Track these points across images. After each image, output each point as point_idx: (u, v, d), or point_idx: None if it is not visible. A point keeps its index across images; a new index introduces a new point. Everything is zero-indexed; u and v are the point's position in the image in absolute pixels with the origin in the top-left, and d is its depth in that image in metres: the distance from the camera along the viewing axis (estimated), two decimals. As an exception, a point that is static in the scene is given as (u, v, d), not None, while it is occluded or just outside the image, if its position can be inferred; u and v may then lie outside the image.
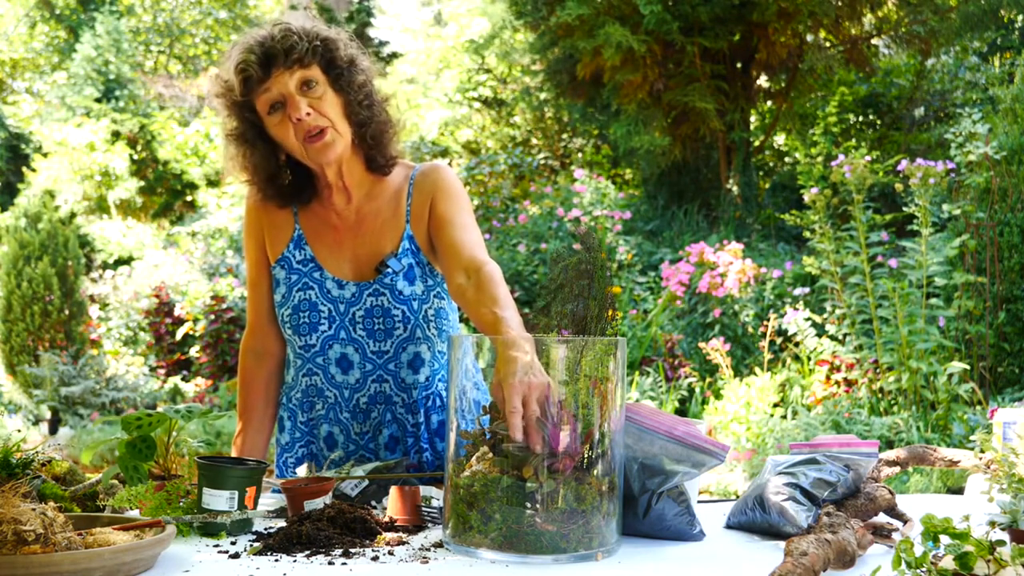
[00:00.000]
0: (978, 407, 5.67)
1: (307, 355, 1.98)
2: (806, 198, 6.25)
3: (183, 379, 9.43)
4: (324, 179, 1.97)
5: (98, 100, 15.66)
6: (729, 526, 1.61)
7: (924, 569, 1.11)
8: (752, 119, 11.55)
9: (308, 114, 1.83)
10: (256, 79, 1.82)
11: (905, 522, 1.57)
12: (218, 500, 1.49)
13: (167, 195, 15.89)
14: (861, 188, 5.92)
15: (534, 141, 14.86)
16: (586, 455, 1.36)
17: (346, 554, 1.36)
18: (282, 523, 1.59)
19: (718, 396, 6.62)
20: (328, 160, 1.89)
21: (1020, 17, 11.05)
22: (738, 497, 1.73)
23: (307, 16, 1.91)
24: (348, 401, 1.97)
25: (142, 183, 15.33)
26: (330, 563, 1.32)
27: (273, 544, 1.40)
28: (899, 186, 6.13)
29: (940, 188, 5.88)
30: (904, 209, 6.13)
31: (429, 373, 1.99)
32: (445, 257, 1.91)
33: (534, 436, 1.35)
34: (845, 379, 6.20)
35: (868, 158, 6.18)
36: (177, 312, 9.79)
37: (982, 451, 1.79)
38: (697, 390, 6.72)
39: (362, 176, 1.99)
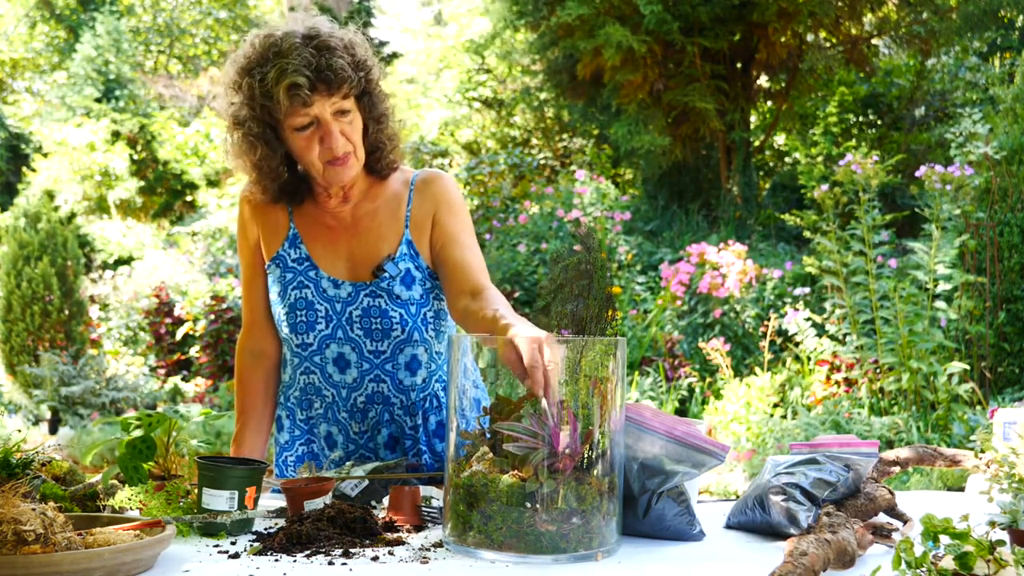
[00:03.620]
0: (978, 407, 5.67)
1: (304, 354, 1.97)
2: (816, 195, 6.25)
3: (183, 379, 9.43)
4: (326, 188, 1.97)
5: (98, 100, 15.66)
6: (729, 526, 1.61)
7: (924, 569, 1.11)
8: (752, 119, 11.55)
9: (341, 143, 1.85)
10: (303, 102, 1.79)
11: (905, 522, 1.57)
12: (218, 500, 1.49)
13: (167, 195, 15.89)
14: (868, 187, 5.92)
15: (534, 141, 14.86)
16: (586, 455, 1.36)
17: (346, 554, 1.36)
18: (282, 523, 1.59)
19: (718, 396, 6.62)
20: (343, 182, 1.91)
21: (1020, 17, 11.05)
22: (738, 497, 1.73)
23: (340, 28, 1.89)
24: (346, 400, 1.97)
25: (142, 183, 15.33)
26: (330, 563, 1.32)
27: (273, 544, 1.40)
28: (913, 188, 6.14)
29: (963, 193, 5.89)
30: (915, 210, 6.13)
31: (426, 375, 1.99)
32: (449, 278, 1.94)
33: (549, 385, 1.39)
34: (845, 379, 6.20)
35: (876, 158, 6.19)
36: (177, 312, 9.79)
37: (982, 451, 1.79)
38: (697, 390, 6.72)
39: (361, 181, 2.00)
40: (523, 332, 1.47)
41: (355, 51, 1.86)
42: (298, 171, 1.99)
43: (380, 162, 1.98)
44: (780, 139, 13.06)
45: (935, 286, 5.92)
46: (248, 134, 1.87)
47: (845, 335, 6.40)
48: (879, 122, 12.28)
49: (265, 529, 1.56)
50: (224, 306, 9.06)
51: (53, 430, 8.26)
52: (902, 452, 1.81)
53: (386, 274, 1.93)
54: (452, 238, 1.96)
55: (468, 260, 1.93)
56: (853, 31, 10.51)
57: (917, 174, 6.00)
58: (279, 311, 1.99)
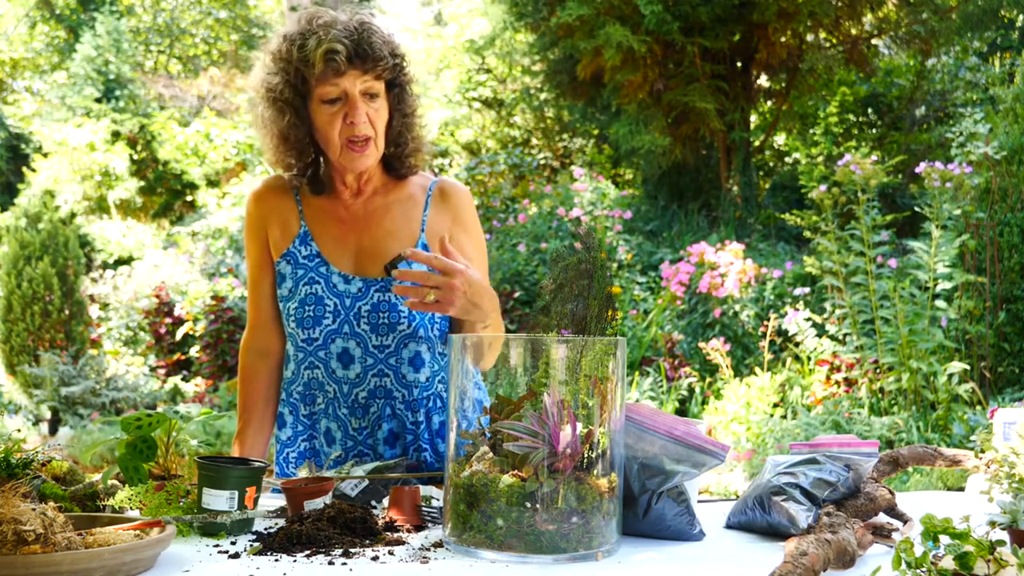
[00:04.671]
0: (978, 407, 5.67)
1: (309, 348, 1.98)
2: (814, 195, 6.25)
3: (183, 379, 9.43)
4: (342, 174, 1.99)
5: (98, 100, 15.65)
6: (729, 526, 1.61)
7: (924, 569, 1.11)
8: (752, 119, 11.55)
9: (364, 123, 1.88)
10: (337, 71, 1.84)
11: (905, 522, 1.57)
12: (218, 500, 1.49)
13: (167, 195, 15.89)
14: (867, 188, 5.92)
15: (534, 141, 14.86)
16: (586, 455, 1.36)
17: (346, 554, 1.36)
18: (282, 523, 1.59)
19: (718, 396, 6.62)
20: (358, 168, 1.94)
21: (1020, 17, 11.05)
22: (738, 497, 1.73)
23: (377, 16, 1.97)
24: (347, 396, 1.98)
25: (142, 183, 15.32)
26: (330, 563, 1.32)
27: (273, 544, 1.40)
28: (913, 187, 6.15)
29: (962, 192, 5.90)
30: (916, 210, 6.13)
31: (430, 374, 1.99)
32: None
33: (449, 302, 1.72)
34: (845, 379, 6.20)
35: (874, 158, 6.19)
36: (177, 312, 9.79)
37: (982, 451, 1.79)
38: (697, 390, 6.72)
39: (378, 177, 2.03)
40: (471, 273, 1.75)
41: (393, 41, 1.94)
42: (320, 162, 2.02)
43: (401, 162, 2.01)
44: (780, 139, 13.06)
45: (935, 286, 5.92)
46: (278, 99, 1.91)
47: (845, 335, 6.40)
48: (879, 122, 12.28)
49: (265, 529, 1.56)
50: (224, 306, 9.06)
51: (53, 430, 8.25)
52: (902, 452, 1.81)
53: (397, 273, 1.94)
54: (463, 255, 1.99)
55: None
56: (853, 31, 10.51)
57: (917, 170, 6.00)
58: (288, 306, 2.01)
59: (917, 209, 6.07)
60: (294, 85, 1.90)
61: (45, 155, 14.87)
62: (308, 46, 1.85)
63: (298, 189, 2.06)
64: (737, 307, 7.46)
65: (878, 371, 5.99)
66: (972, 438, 1.85)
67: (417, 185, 2.04)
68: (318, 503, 1.57)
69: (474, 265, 2.01)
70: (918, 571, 1.11)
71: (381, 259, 1.96)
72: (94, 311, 10.70)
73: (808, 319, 6.64)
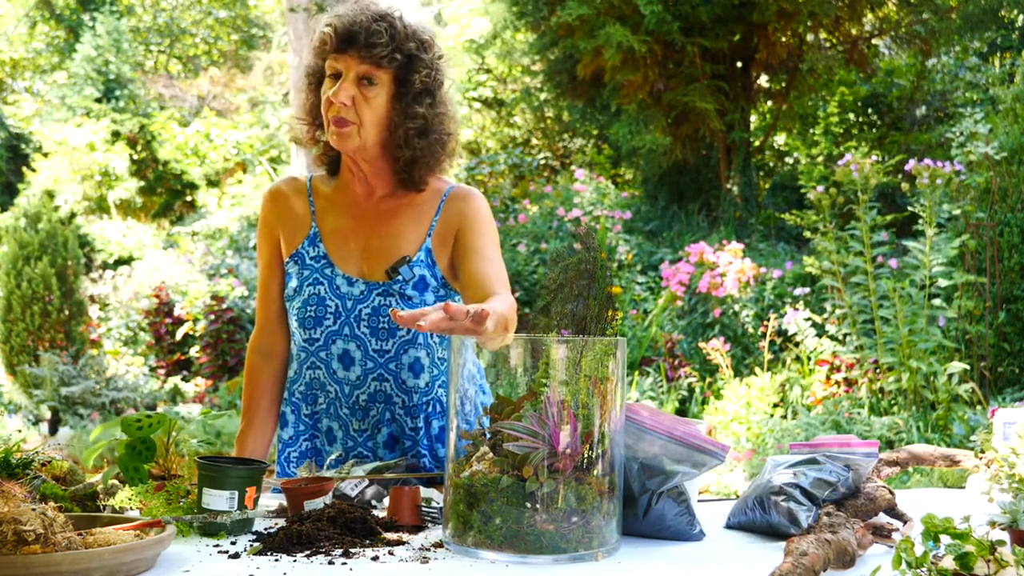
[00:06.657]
0: (978, 407, 5.67)
1: (311, 348, 1.99)
2: (811, 196, 6.25)
3: (183, 379, 9.43)
4: (347, 158, 2.00)
5: (98, 100, 15.65)
6: (729, 526, 1.61)
7: (924, 569, 1.11)
8: (752, 119, 11.54)
9: (344, 104, 1.87)
10: (330, 49, 1.88)
11: (905, 522, 1.57)
12: (218, 500, 1.49)
13: (167, 195, 15.89)
14: (866, 188, 5.92)
15: (534, 141, 14.86)
16: (586, 455, 1.36)
17: (346, 554, 1.36)
18: (282, 523, 1.59)
19: (718, 396, 6.62)
20: (339, 147, 1.94)
21: (1020, 17, 11.05)
22: (738, 497, 1.73)
23: (416, 20, 1.95)
24: (348, 397, 1.98)
25: (142, 183, 15.32)
26: (330, 563, 1.32)
27: (273, 544, 1.40)
28: (905, 186, 6.15)
29: (949, 189, 5.89)
30: (909, 209, 6.13)
31: (429, 379, 1.99)
32: (466, 286, 1.96)
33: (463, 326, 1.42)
34: (845, 379, 6.20)
35: (874, 158, 6.19)
36: (177, 312, 9.80)
37: (982, 451, 1.79)
38: (697, 390, 6.72)
39: (389, 177, 2.01)
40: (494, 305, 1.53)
41: (410, 38, 1.90)
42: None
43: (411, 174, 1.97)
44: (780, 139, 13.06)
45: (931, 284, 5.92)
46: (307, 74, 1.99)
47: (845, 335, 6.40)
48: (879, 122, 12.28)
49: (265, 529, 1.56)
50: (224, 306, 9.06)
51: (53, 430, 8.25)
52: (901, 452, 1.81)
53: (400, 277, 1.94)
54: (473, 250, 1.97)
55: (486, 271, 1.93)
56: (853, 31, 10.51)
57: (906, 168, 6.00)
58: (292, 306, 2.02)
59: (910, 208, 6.07)
60: (318, 61, 1.96)
61: (45, 155, 14.87)
62: (321, 22, 1.91)
63: (311, 191, 2.06)
64: (737, 307, 7.46)
65: (878, 371, 5.99)
66: (972, 438, 1.85)
67: (433, 190, 2.02)
68: (318, 503, 1.57)
69: (485, 254, 1.98)
70: (918, 571, 1.11)
71: (386, 260, 1.96)
72: (94, 311, 10.69)
73: (808, 319, 6.64)
